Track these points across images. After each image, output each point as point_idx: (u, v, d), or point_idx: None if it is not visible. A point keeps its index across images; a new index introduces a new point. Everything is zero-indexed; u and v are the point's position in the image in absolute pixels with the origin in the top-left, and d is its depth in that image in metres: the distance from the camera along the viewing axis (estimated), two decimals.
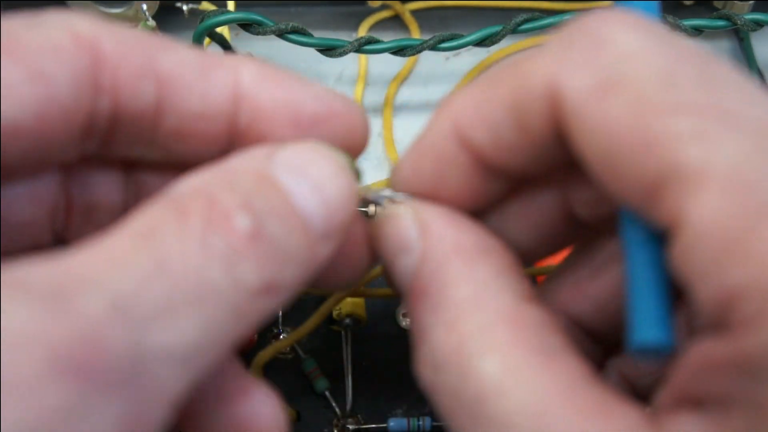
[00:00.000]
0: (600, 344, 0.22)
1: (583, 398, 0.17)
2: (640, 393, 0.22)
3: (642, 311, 0.17)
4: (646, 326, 0.17)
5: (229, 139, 0.20)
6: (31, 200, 0.20)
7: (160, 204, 0.17)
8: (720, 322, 0.15)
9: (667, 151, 0.16)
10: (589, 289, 0.22)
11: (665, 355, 0.17)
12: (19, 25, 0.17)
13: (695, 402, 0.16)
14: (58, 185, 0.20)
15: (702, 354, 0.16)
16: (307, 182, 0.18)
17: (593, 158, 0.17)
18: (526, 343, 0.18)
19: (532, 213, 0.21)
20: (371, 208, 0.34)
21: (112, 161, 0.21)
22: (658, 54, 0.16)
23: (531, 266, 0.37)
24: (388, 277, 0.21)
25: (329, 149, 0.19)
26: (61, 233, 0.21)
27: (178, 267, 0.16)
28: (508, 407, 0.17)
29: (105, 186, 0.21)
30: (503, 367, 0.17)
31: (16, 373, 0.13)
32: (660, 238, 0.17)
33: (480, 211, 0.21)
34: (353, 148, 0.21)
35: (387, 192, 0.21)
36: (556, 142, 0.18)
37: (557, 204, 0.21)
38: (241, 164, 0.18)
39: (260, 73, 0.20)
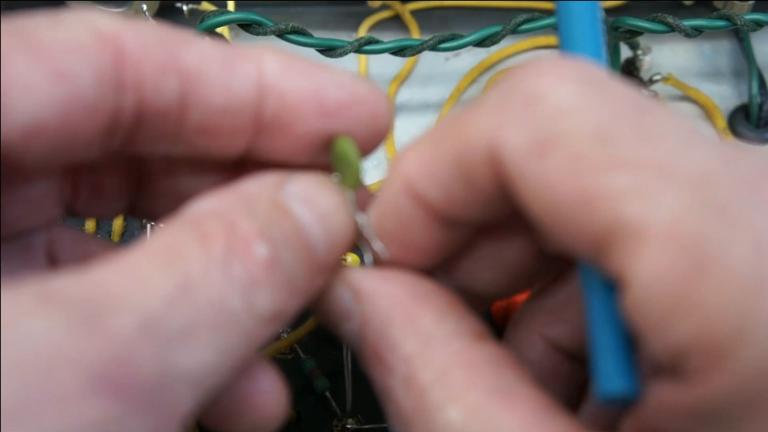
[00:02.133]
0: (583, 365, 0.22)
1: (546, 431, 0.17)
2: None
3: (605, 360, 0.17)
4: (611, 376, 0.17)
5: (255, 132, 0.20)
6: (43, 179, 0.20)
7: (180, 224, 0.17)
8: (674, 370, 0.15)
9: (607, 209, 0.15)
10: (567, 314, 0.21)
11: (632, 401, 0.17)
12: (41, 23, 0.17)
13: None
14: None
15: (661, 397, 0.16)
16: (315, 212, 0.19)
17: (538, 214, 0.17)
18: (483, 384, 0.18)
19: (502, 254, 0.21)
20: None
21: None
22: (592, 108, 0.16)
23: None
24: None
25: (334, 183, 0.20)
26: (71, 206, 0.22)
27: (201, 291, 0.16)
28: None
29: (108, 159, 0.21)
30: (465, 413, 0.17)
31: (52, 389, 0.14)
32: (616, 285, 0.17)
33: (449, 257, 0.21)
34: (377, 133, 0.21)
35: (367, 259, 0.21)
36: (504, 196, 0.18)
37: (526, 242, 0.21)
38: (254, 189, 0.18)
39: (283, 63, 0.20)
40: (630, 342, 0.17)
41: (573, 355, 0.21)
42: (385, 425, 0.33)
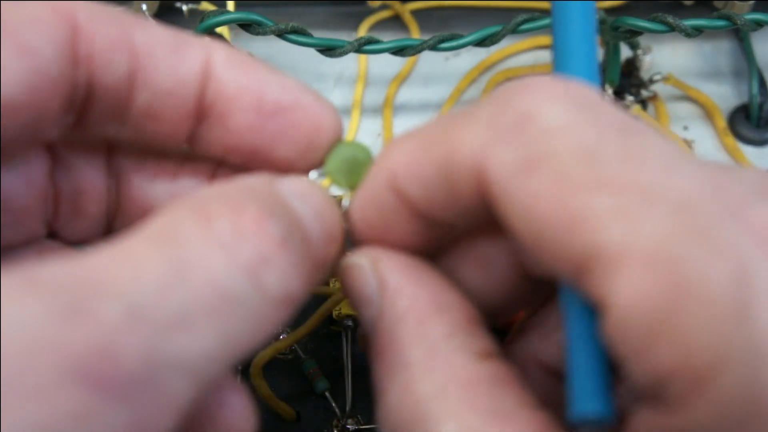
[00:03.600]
0: None
1: None
2: None
3: (581, 382, 0.17)
4: (585, 397, 0.17)
5: (196, 121, 0.20)
6: (26, 186, 0.20)
7: (181, 207, 0.17)
8: (655, 396, 0.15)
9: (589, 231, 0.15)
10: (558, 337, 0.21)
11: (606, 425, 0.17)
12: None
13: None
14: (46, 172, 0.21)
15: (643, 424, 0.16)
16: (311, 208, 0.18)
17: (521, 234, 0.17)
18: (480, 405, 0.17)
19: (489, 274, 0.21)
20: None
21: (92, 146, 0.21)
22: (579, 129, 0.16)
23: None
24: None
25: (322, 186, 0.20)
26: (52, 225, 0.21)
27: (199, 273, 0.15)
28: None
29: (88, 172, 0.21)
30: None
31: (31, 377, 0.13)
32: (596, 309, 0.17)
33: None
34: (314, 146, 0.21)
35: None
36: (486, 207, 0.18)
37: (512, 263, 0.21)
38: (253, 183, 0.18)
39: (230, 56, 0.20)
40: (607, 366, 0.17)
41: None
42: None
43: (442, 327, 0.19)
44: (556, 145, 0.16)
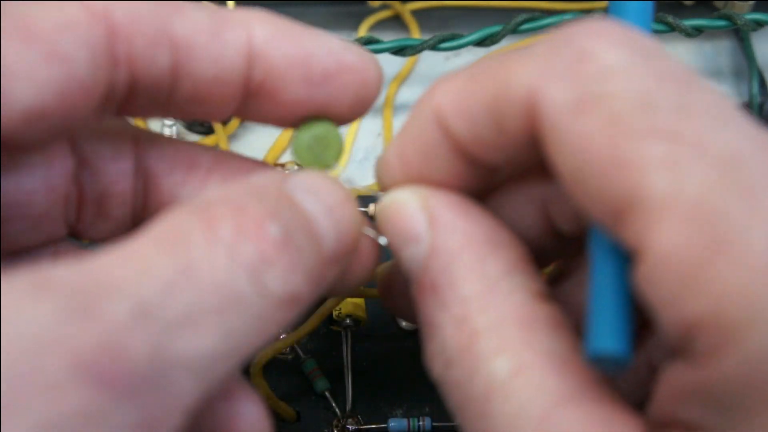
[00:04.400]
0: None
1: (587, 406, 0.17)
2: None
3: (601, 320, 0.17)
4: (604, 335, 0.17)
5: (243, 98, 0.20)
6: (46, 190, 0.20)
7: (186, 210, 0.17)
8: (684, 349, 0.15)
9: (636, 176, 0.15)
10: (576, 299, 0.21)
11: (622, 365, 0.17)
12: (30, 4, 0.17)
13: (682, 426, 0.16)
14: (71, 175, 0.20)
15: (673, 379, 0.16)
16: (321, 204, 0.18)
17: (566, 172, 0.17)
18: (536, 344, 0.17)
19: (516, 229, 0.21)
20: (371, 208, 0.34)
21: (120, 151, 0.21)
22: (638, 73, 0.16)
23: None
24: (381, 279, 0.21)
25: (337, 179, 0.20)
26: (75, 226, 0.21)
27: (204, 274, 0.15)
28: (514, 409, 0.17)
29: (115, 175, 0.21)
30: (512, 368, 0.17)
31: (40, 376, 0.13)
32: (627, 253, 0.17)
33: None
34: (363, 101, 0.21)
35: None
36: (533, 146, 0.18)
37: (540, 218, 0.21)
38: (261, 181, 0.18)
39: (272, 29, 0.20)
40: (630, 309, 0.17)
41: None
42: (384, 425, 0.33)
43: (500, 263, 0.19)
44: (614, 87, 0.16)
